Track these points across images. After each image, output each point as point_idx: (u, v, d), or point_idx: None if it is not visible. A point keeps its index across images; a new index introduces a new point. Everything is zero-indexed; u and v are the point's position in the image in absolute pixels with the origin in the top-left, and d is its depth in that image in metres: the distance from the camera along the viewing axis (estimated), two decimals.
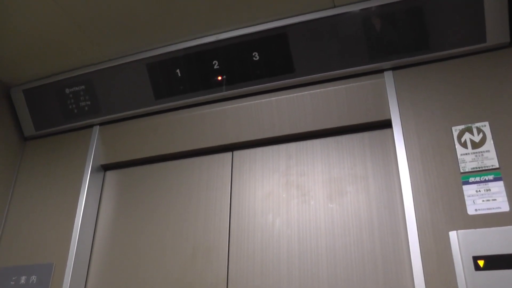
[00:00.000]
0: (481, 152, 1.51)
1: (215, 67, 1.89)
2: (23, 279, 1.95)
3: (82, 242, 1.97)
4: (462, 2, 1.60)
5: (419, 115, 1.64)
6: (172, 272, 1.83)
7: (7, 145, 2.22)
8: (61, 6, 1.77)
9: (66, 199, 2.07)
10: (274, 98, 1.87)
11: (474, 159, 1.51)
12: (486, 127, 1.54)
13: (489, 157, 1.50)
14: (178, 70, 1.94)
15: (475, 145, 1.53)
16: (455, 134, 1.56)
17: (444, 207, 1.48)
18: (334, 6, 1.73)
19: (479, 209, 1.44)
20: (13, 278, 1.97)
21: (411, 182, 1.55)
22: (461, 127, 1.57)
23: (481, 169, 1.49)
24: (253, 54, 1.84)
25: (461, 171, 1.51)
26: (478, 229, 1.39)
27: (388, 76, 1.73)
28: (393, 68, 1.74)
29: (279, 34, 1.78)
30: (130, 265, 1.92)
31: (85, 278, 1.96)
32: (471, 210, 1.44)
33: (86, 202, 2.03)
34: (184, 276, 1.80)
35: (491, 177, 1.47)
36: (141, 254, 1.92)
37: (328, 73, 1.79)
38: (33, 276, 1.94)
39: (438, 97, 1.64)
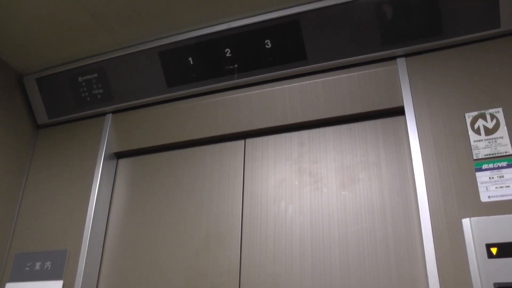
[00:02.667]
0: (495, 138, 1.50)
1: (227, 55, 1.89)
2: (38, 265, 1.98)
3: (95, 228, 1.99)
4: None
5: (432, 102, 1.63)
6: (185, 259, 1.84)
7: (21, 133, 2.23)
8: None
9: (80, 186, 2.08)
10: (286, 86, 1.86)
11: (487, 145, 1.50)
12: (499, 113, 1.53)
13: (503, 143, 1.49)
14: (190, 58, 1.94)
15: (488, 132, 1.52)
16: (468, 121, 1.55)
17: (457, 194, 1.47)
18: None
19: (492, 196, 1.43)
20: (28, 264, 2.00)
21: (424, 169, 1.55)
22: (474, 113, 1.56)
23: (494, 155, 1.48)
24: (266, 41, 1.83)
25: (474, 157, 1.50)
26: (491, 216, 1.39)
27: (401, 63, 1.73)
28: (406, 55, 1.73)
29: (291, 22, 1.78)
30: (143, 252, 1.93)
31: (99, 264, 1.99)
32: (484, 197, 1.44)
33: (99, 189, 2.04)
34: (197, 263, 1.82)
35: (504, 163, 1.47)
36: (154, 241, 1.93)
37: (340, 60, 1.78)
38: (48, 262, 1.96)
39: (451, 83, 1.63)
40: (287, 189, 1.80)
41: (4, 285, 2.00)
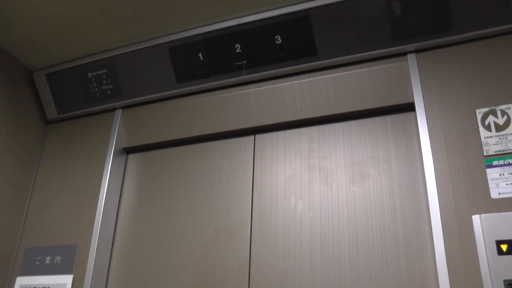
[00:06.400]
0: (505, 135, 1.50)
1: (238, 50, 1.89)
2: (48, 259, 1.99)
3: (105, 223, 2.00)
4: None
5: (443, 98, 1.63)
6: (195, 254, 1.85)
7: (30, 128, 2.24)
8: None
9: (89, 182, 2.09)
10: (296, 82, 1.86)
11: (498, 142, 1.50)
12: (510, 109, 1.52)
13: None
14: (200, 54, 1.94)
15: (499, 128, 1.51)
16: (479, 117, 1.55)
17: (467, 191, 1.47)
18: None
19: (502, 193, 1.43)
20: (38, 258, 2.01)
21: (434, 165, 1.54)
22: (485, 109, 1.55)
23: (505, 152, 1.48)
24: (276, 37, 1.83)
25: (485, 154, 1.50)
26: (501, 213, 1.38)
27: (412, 59, 1.72)
28: (417, 51, 1.73)
29: (302, 17, 1.77)
30: (153, 247, 1.94)
31: (109, 258, 2.00)
32: (494, 194, 1.44)
33: (109, 184, 2.05)
34: (206, 258, 1.82)
35: None
36: (164, 236, 1.94)
37: (351, 56, 1.78)
38: (58, 257, 1.97)
39: (462, 79, 1.63)
40: (297, 185, 1.80)
41: (15, 279, 2.01)
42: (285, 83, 1.88)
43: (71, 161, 2.19)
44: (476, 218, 1.41)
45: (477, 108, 1.57)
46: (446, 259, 1.41)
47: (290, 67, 1.86)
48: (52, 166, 2.22)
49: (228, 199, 1.89)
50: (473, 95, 1.59)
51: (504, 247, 1.34)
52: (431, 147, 1.57)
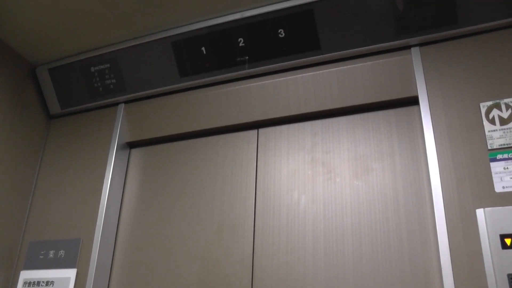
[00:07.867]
0: (510, 128, 1.49)
1: (241, 44, 1.89)
2: (51, 253, 1.99)
3: (108, 218, 2.00)
4: None
5: (447, 92, 1.62)
6: (198, 249, 1.85)
7: (33, 123, 2.25)
8: None
9: (92, 176, 2.09)
10: (300, 75, 1.86)
11: (502, 135, 1.49)
12: None
13: None
14: (203, 48, 1.94)
15: (503, 122, 1.51)
16: (483, 110, 1.54)
17: (471, 185, 1.47)
18: None
19: (506, 187, 1.42)
20: (42, 252, 2.02)
21: (438, 159, 1.54)
22: (489, 103, 1.55)
23: (509, 145, 1.47)
24: (279, 31, 1.82)
25: (489, 147, 1.49)
26: (505, 207, 1.38)
27: (415, 53, 1.71)
28: (420, 44, 1.72)
29: (305, 11, 1.77)
30: (156, 242, 1.94)
31: (112, 252, 2.00)
32: (498, 188, 1.43)
33: (112, 179, 2.05)
34: (210, 252, 1.82)
35: None
36: (167, 231, 1.94)
37: (354, 49, 1.77)
38: (61, 251, 1.98)
39: (466, 73, 1.62)
40: (300, 179, 1.80)
41: (19, 273, 2.02)
42: (289, 77, 1.88)
43: (74, 155, 2.19)
44: (480, 212, 1.41)
45: (481, 102, 1.56)
46: (450, 253, 1.41)
47: (294, 61, 1.85)
48: (55, 161, 2.22)
49: (231, 194, 1.89)
50: (477, 89, 1.58)
51: (508, 241, 1.34)
52: (435, 141, 1.56)
